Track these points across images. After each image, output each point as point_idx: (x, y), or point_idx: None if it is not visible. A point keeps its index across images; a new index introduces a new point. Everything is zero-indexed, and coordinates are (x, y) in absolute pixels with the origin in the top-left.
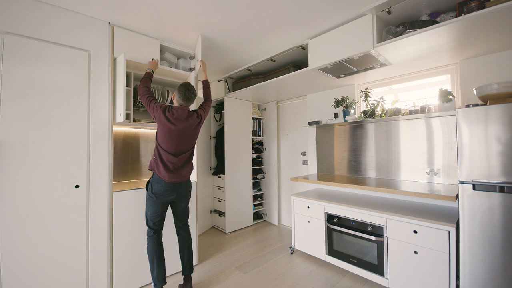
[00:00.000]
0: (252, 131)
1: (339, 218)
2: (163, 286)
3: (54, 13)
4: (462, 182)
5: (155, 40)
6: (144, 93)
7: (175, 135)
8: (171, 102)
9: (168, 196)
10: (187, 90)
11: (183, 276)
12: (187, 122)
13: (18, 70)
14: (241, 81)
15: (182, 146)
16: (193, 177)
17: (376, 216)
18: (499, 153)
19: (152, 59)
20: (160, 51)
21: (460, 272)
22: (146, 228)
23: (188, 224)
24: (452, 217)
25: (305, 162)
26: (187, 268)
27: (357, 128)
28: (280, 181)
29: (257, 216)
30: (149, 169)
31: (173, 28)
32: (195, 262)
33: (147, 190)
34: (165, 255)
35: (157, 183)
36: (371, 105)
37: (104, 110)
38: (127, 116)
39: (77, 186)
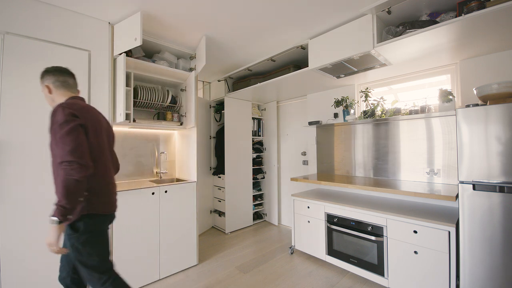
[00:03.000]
0: (252, 131)
1: (339, 218)
2: None
3: (54, 13)
4: (462, 182)
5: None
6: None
7: (105, 136)
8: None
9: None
10: (66, 71)
11: None
12: (102, 116)
13: (18, 70)
14: (241, 81)
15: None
16: (193, 177)
17: (376, 216)
18: (499, 153)
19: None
20: (160, 51)
21: (460, 272)
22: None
23: None
24: (452, 217)
25: (305, 162)
26: None
27: (357, 128)
28: (280, 181)
29: (257, 216)
30: (83, 214)
31: (176, 29)
32: (195, 262)
33: (78, 232)
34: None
35: (98, 217)
36: (371, 105)
37: (104, 110)
38: (127, 116)
39: None
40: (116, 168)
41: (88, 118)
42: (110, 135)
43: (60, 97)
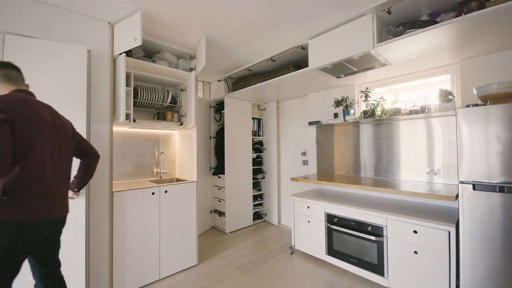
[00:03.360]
0: (252, 131)
1: (339, 218)
2: None
3: (54, 13)
4: (462, 182)
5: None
6: None
7: (49, 133)
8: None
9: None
10: (7, 64)
11: None
12: (50, 110)
13: None
14: (241, 81)
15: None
16: (193, 177)
17: (376, 216)
18: (499, 153)
19: None
20: (160, 51)
21: (460, 272)
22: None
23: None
24: (452, 217)
25: (305, 162)
26: None
27: (357, 128)
28: (280, 181)
29: (257, 216)
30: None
31: (176, 29)
32: (195, 262)
33: None
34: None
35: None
36: (371, 105)
37: (104, 110)
38: (127, 116)
39: None
40: (93, 157)
41: (20, 113)
42: (64, 131)
43: (3, 91)
